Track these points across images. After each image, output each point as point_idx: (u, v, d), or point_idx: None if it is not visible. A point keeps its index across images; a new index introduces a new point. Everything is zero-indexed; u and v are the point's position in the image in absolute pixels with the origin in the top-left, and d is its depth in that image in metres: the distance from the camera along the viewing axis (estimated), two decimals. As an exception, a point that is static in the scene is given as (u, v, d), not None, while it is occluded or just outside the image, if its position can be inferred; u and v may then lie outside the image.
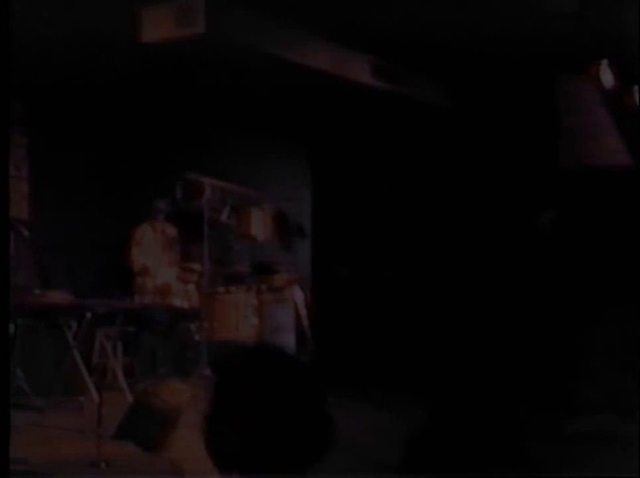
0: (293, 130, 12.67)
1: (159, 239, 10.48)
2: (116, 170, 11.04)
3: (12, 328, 8.61)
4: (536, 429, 2.43)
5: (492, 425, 2.36)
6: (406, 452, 2.33)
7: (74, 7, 7.70)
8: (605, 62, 8.66)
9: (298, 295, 10.16)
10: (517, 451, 2.34)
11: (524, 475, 2.26)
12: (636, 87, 8.67)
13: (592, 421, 7.60)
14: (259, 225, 9.85)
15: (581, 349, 8.63)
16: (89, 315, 8.79)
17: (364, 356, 10.63)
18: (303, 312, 10.08)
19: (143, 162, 11.22)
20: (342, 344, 10.89)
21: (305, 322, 10.01)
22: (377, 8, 8.13)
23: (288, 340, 9.62)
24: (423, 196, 11.75)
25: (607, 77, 8.70)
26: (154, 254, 10.38)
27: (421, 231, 11.62)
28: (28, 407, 8.22)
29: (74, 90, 9.98)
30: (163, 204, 10.28)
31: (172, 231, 10.57)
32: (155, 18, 8.08)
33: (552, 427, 6.76)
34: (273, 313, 9.68)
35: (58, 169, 10.51)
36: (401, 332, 11.03)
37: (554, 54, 9.07)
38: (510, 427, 2.38)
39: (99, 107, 10.54)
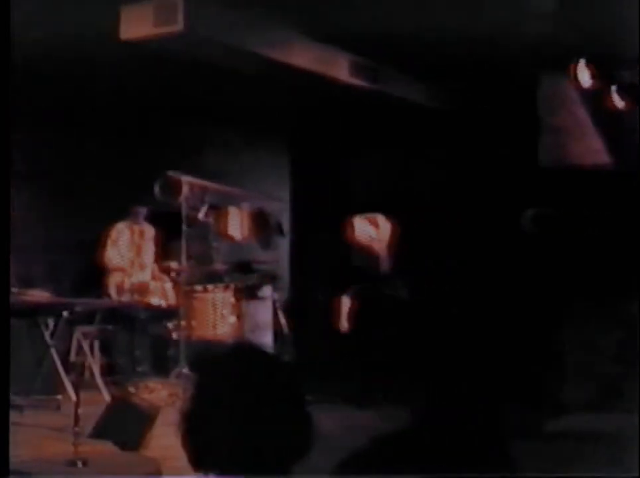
0: (272, 127, 12.66)
1: (136, 240, 10.47)
2: (95, 169, 11.01)
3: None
4: (516, 428, 2.43)
5: (474, 423, 2.36)
6: (386, 451, 2.33)
7: (53, 6, 7.66)
8: (582, 62, 8.67)
9: (276, 294, 10.17)
10: (500, 449, 2.34)
11: (516, 476, 2.26)
12: (614, 87, 8.69)
13: (572, 420, 7.63)
14: (237, 224, 9.84)
15: (565, 347, 8.67)
16: (66, 313, 8.76)
17: (342, 355, 10.62)
18: (281, 310, 10.08)
19: (122, 161, 11.20)
20: (321, 343, 10.87)
21: (283, 321, 10.01)
22: (360, 7, 8.14)
23: (266, 339, 9.62)
24: (402, 193, 11.74)
25: (584, 76, 8.72)
26: (129, 254, 10.38)
27: (402, 228, 11.62)
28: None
29: (51, 89, 9.93)
30: (141, 205, 10.30)
31: (150, 231, 10.57)
32: (134, 16, 8.06)
33: (533, 426, 6.78)
34: (251, 312, 9.67)
35: (38, 168, 10.47)
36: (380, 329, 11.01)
37: (535, 53, 9.10)
38: (491, 425, 2.38)
39: (77, 105, 10.49)
